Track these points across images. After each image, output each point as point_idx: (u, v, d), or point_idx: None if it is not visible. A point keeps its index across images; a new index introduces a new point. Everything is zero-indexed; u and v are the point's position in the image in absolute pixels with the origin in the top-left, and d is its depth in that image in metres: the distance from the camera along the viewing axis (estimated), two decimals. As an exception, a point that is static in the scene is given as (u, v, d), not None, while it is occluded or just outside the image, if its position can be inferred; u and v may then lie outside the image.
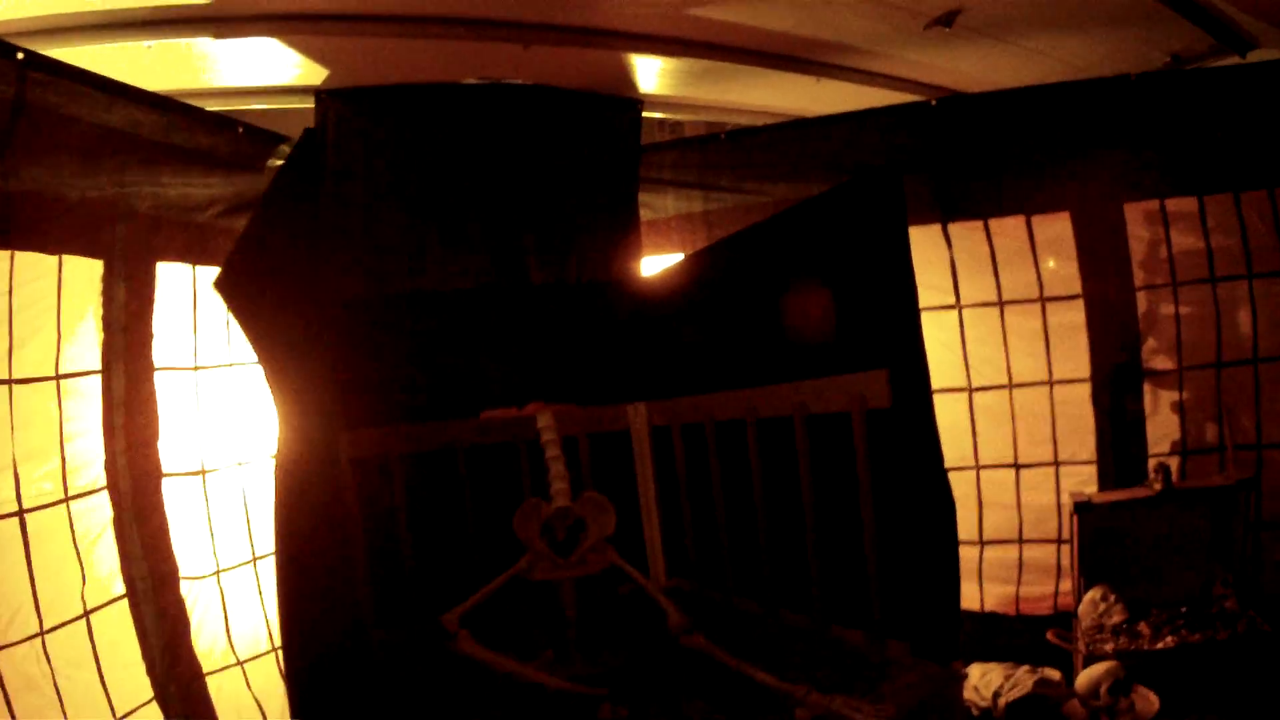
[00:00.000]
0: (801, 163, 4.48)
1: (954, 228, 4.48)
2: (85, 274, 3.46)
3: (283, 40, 4.12)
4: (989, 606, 4.56)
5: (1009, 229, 4.43)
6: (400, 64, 4.44)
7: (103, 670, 3.41)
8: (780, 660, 3.33)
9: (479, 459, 4.09)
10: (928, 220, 4.46)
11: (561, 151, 4.37)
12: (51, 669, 3.22)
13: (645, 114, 4.59)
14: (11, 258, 3.16)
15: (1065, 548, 4.41)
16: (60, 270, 3.37)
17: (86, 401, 3.48)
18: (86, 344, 3.48)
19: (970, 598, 4.51)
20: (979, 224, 4.45)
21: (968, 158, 4.39)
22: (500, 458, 4.09)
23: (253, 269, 3.49)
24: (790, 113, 5.06)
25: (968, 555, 4.53)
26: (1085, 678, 3.79)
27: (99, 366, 3.52)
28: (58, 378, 3.38)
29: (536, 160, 4.32)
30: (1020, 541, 4.55)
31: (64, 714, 3.23)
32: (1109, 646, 3.94)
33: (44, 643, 3.21)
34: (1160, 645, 3.88)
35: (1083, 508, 4.13)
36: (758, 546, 3.91)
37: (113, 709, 3.41)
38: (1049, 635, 4.10)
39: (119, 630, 3.52)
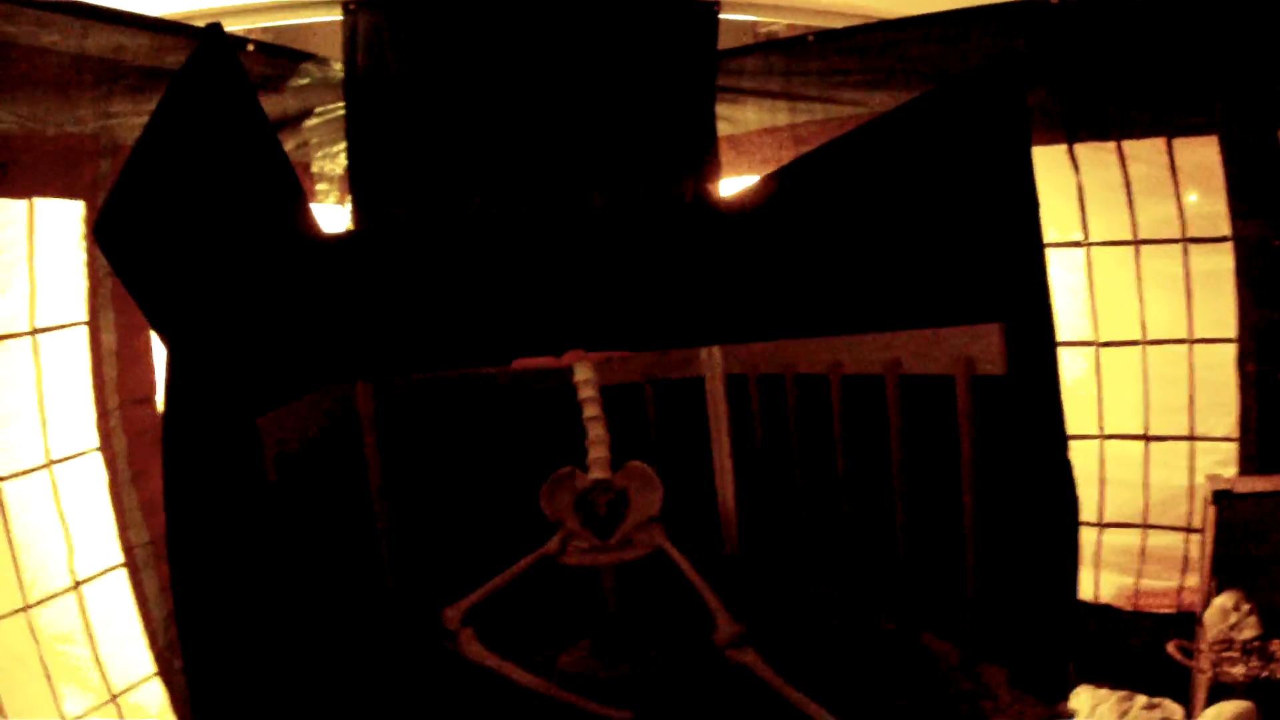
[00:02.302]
0: (900, 69, 4.05)
1: (1081, 149, 3.96)
2: (62, 218, 3.28)
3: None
4: (1104, 598, 4.16)
5: (1146, 153, 3.90)
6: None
7: (97, 644, 3.33)
8: (852, 674, 2.99)
9: (502, 415, 3.76)
10: (1049, 140, 3.95)
11: (624, 59, 4.05)
12: (38, 644, 3.16)
13: (723, 15, 4.20)
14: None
15: (1195, 537, 3.96)
16: (31, 215, 3.19)
17: (68, 358, 3.31)
18: (67, 295, 3.31)
19: (1086, 586, 4.14)
20: (1111, 146, 3.93)
21: (1096, 67, 3.86)
22: (525, 416, 3.74)
23: (145, 211, 2.86)
24: (892, 14, 4.54)
25: (1085, 539, 4.04)
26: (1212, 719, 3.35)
27: (84, 318, 3.34)
28: (34, 332, 3.22)
29: (595, 70, 4.01)
30: (1145, 526, 4.11)
31: (53, 691, 3.17)
32: (1238, 670, 3.49)
33: (29, 618, 3.14)
34: None
35: (1221, 496, 3.64)
36: (841, 526, 3.54)
37: (109, 685, 3.34)
38: (1169, 648, 3.67)
39: (115, 602, 3.42)
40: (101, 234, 2.77)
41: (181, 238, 2.79)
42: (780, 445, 3.77)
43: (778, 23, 4.65)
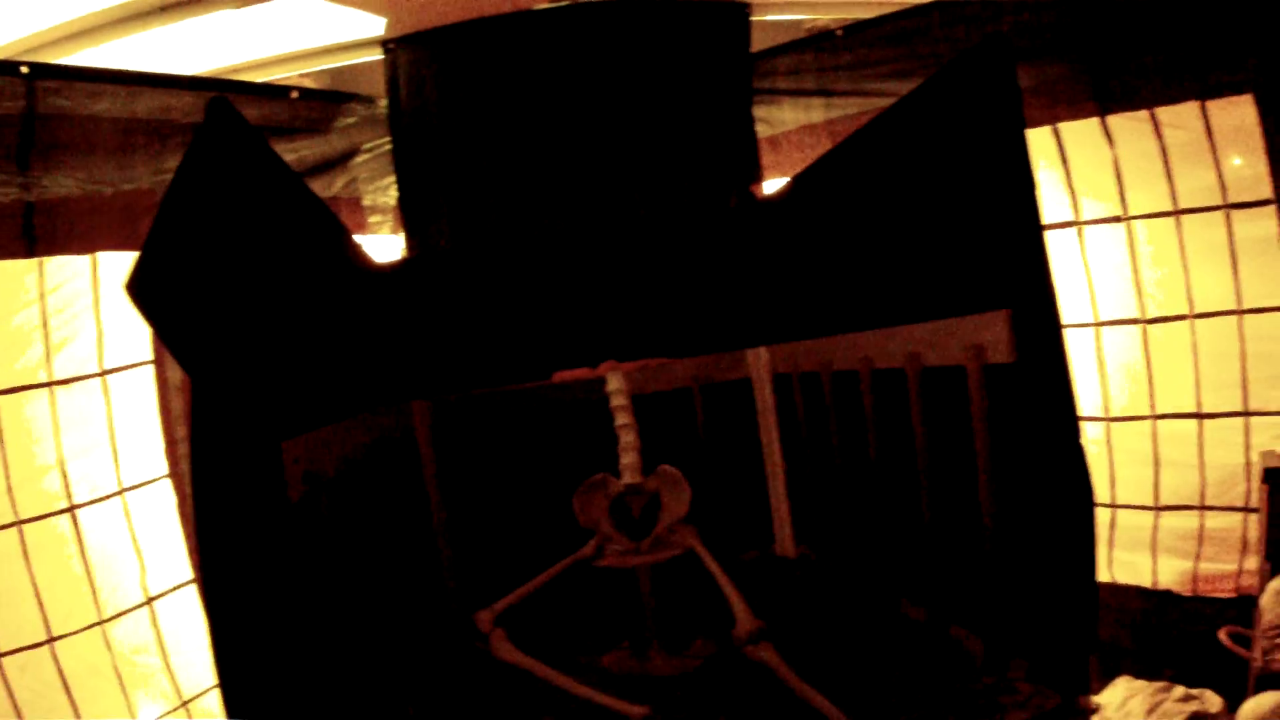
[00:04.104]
0: (931, 54, 4.04)
1: (1114, 121, 3.92)
2: (124, 268, 3.54)
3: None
4: (1163, 583, 4.12)
5: (1180, 118, 3.83)
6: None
7: (168, 654, 3.70)
8: (879, 665, 3.12)
9: (551, 426, 4.01)
10: (1083, 114, 3.93)
11: (658, 71, 4.21)
12: (113, 655, 3.54)
13: (759, 17, 4.34)
14: (40, 265, 3.38)
15: (1254, 518, 3.87)
16: (95, 268, 3.55)
17: (137, 395, 3.69)
18: (134, 338, 3.67)
19: (1143, 572, 4.13)
20: (1144, 115, 3.88)
21: (1125, 34, 3.81)
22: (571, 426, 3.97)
23: (171, 265, 3.15)
24: (920, -1, 4.57)
25: (1141, 522, 4.12)
26: (1250, 711, 3.30)
27: (149, 357, 3.71)
28: (103, 373, 3.60)
29: (631, 84, 4.18)
30: (1201, 508, 4.04)
31: (126, 698, 3.55)
32: None
33: (104, 631, 3.53)
34: None
35: (1274, 474, 3.58)
36: (878, 520, 3.66)
37: (180, 692, 3.71)
38: (1221, 636, 3.63)
39: (185, 615, 3.77)
40: (133, 288, 3.09)
41: (208, 283, 3.10)
42: (822, 441, 3.90)
43: (819, 19, 4.74)
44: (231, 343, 3.12)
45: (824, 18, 4.57)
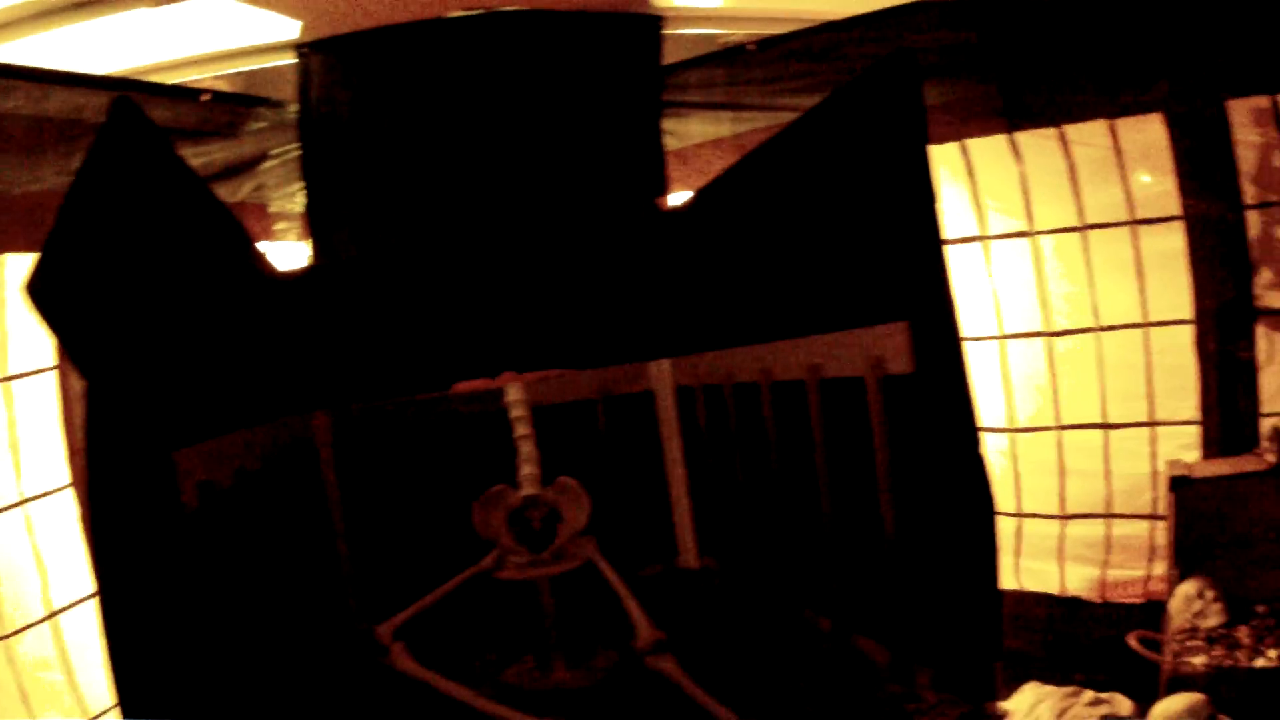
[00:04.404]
0: (843, 69, 4.05)
1: (1023, 137, 4.01)
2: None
3: (241, -2, 4.08)
4: (1071, 590, 4.19)
5: (1089, 136, 3.92)
6: (378, 4, 4.27)
7: (73, 670, 3.63)
8: (784, 675, 3.15)
9: (449, 437, 4.00)
10: (992, 130, 4.01)
11: (568, 82, 4.20)
12: (16, 671, 3.47)
13: (673, 30, 4.33)
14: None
15: (1161, 525, 3.97)
16: (1, 270, 3.49)
17: (39, 403, 3.63)
18: (37, 343, 3.59)
19: (1050, 579, 4.20)
20: (1053, 132, 3.96)
21: (1037, 53, 3.89)
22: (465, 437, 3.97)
23: (71, 268, 3.12)
24: (836, 16, 4.58)
25: (1048, 531, 4.20)
26: (1161, 714, 3.36)
27: (53, 363, 3.64)
28: (5, 380, 3.54)
29: (540, 95, 4.17)
30: (1108, 516, 4.13)
31: (30, 715, 3.49)
32: (1199, 660, 3.49)
33: (6, 646, 3.45)
34: (1261, 662, 3.41)
35: (1180, 483, 3.66)
36: (780, 529, 3.69)
37: (84, 708, 3.64)
38: (1130, 641, 3.70)
39: (89, 631, 3.66)
40: (31, 291, 3.05)
41: (105, 287, 3.07)
42: (725, 453, 3.93)
43: (734, 34, 4.76)
44: (126, 349, 3.10)
45: (739, 33, 4.60)
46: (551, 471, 3.64)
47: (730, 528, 4.02)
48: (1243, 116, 3.71)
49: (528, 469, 3.53)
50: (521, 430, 3.61)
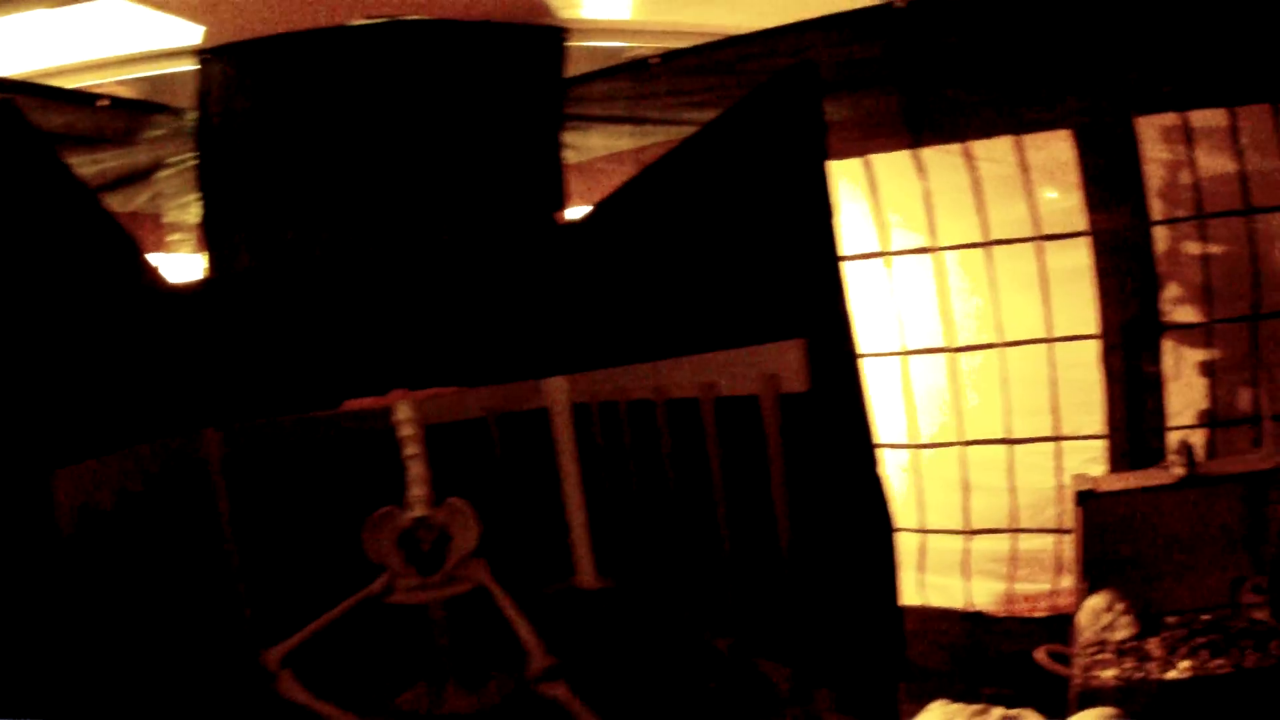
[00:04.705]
0: (746, 84, 3.97)
1: (927, 153, 4.01)
2: None
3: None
4: (977, 605, 4.20)
5: (995, 152, 3.94)
6: (281, 10, 4.20)
7: None
8: (680, 701, 3.11)
9: (341, 455, 3.92)
10: (896, 145, 3.99)
11: (469, 93, 4.13)
12: None
13: (579, 43, 4.29)
14: None
15: (1067, 538, 3.97)
16: None
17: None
18: None
19: (956, 594, 4.21)
20: (958, 148, 3.97)
21: (943, 67, 3.87)
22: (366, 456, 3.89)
23: None
24: (741, 30, 4.57)
25: (952, 546, 4.20)
26: None
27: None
28: None
29: (440, 106, 4.11)
30: (1014, 531, 4.14)
31: None
32: (1110, 673, 3.49)
33: None
34: (1172, 674, 3.42)
35: (1086, 496, 3.67)
36: (677, 548, 3.65)
37: None
38: (1038, 656, 3.69)
39: None
40: None
41: None
42: (621, 471, 3.89)
43: (642, 48, 4.72)
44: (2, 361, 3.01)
45: (646, 47, 4.55)
46: (447, 491, 3.57)
47: (628, 547, 3.98)
48: (1152, 133, 3.76)
49: (416, 490, 3.46)
50: (410, 450, 3.53)
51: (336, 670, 3.49)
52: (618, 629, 3.55)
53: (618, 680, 3.40)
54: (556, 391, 4.04)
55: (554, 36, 4.20)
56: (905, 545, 4.09)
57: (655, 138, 4.25)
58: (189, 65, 4.20)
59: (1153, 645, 3.55)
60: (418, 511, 3.40)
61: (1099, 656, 3.54)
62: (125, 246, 3.53)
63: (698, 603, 3.64)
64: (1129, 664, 3.48)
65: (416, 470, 3.48)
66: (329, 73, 4.03)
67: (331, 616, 3.40)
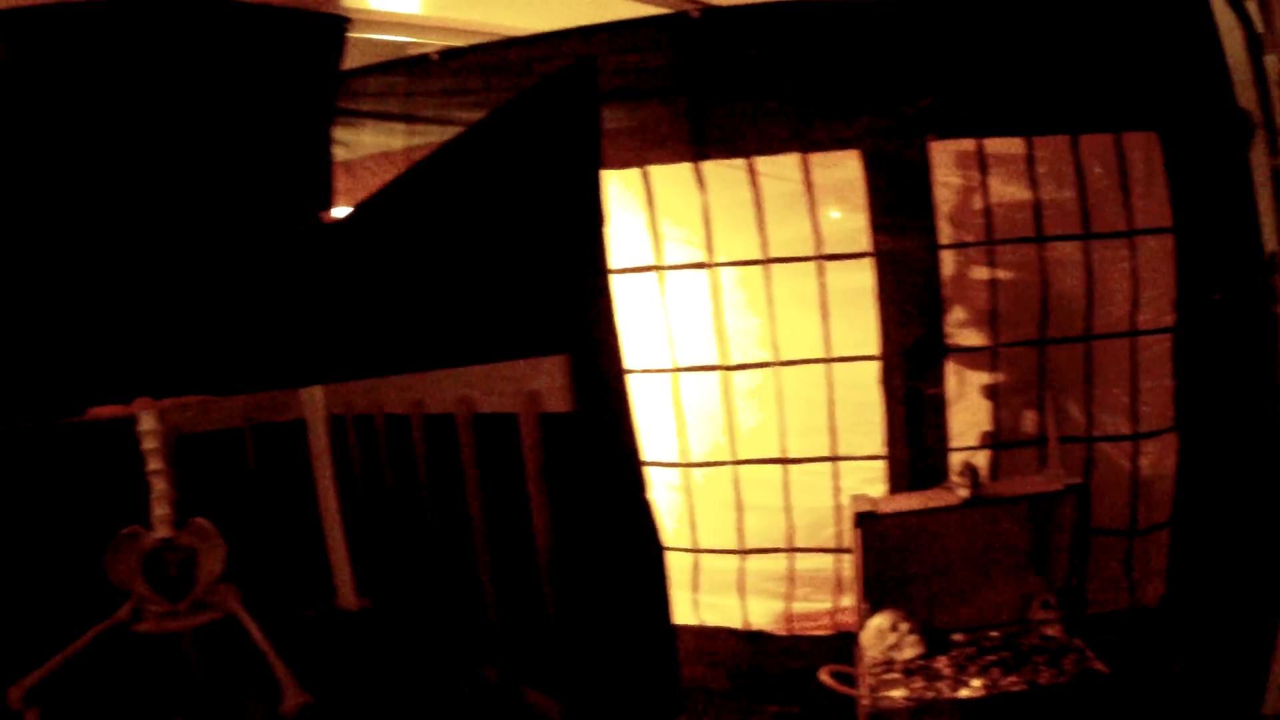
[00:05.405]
0: (525, 87, 3.90)
1: (709, 166, 3.97)
2: None
3: None
4: (755, 624, 4.20)
5: (780, 169, 3.93)
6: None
7: None
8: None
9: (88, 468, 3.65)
10: (677, 157, 3.96)
11: (236, 80, 3.91)
12: None
13: (362, 35, 4.21)
14: None
15: (847, 557, 3.97)
16: None
17: None
18: None
19: (732, 613, 4.20)
20: (742, 163, 3.94)
21: (735, 80, 3.89)
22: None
23: None
24: (529, 31, 4.51)
25: (727, 565, 4.18)
26: None
27: None
28: None
29: (208, 88, 3.86)
30: (790, 550, 4.15)
31: None
32: (899, 693, 3.50)
33: None
34: (965, 692, 3.45)
35: (865, 518, 3.66)
36: (438, 571, 3.53)
37: None
38: (822, 676, 3.68)
39: None
40: None
41: None
42: (378, 488, 3.76)
43: (431, 43, 4.61)
44: None
45: (433, 43, 4.45)
46: (198, 508, 3.35)
47: (389, 569, 3.85)
48: (946, 158, 3.81)
49: (159, 509, 3.21)
50: (154, 464, 3.26)
51: (86, 706, 3.25)
52: (379, 655, 3.40)
53: (379, 711, 3.28)
54: (313, 402, 3.88)
55: (336, 26, 4.03)
56: (678, 565, 4.08)
57: (430, 138, 4.16)
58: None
59: (942, 664, 3.60)
60: (162, 533, 3.18)
61: (886, 676, 3.57)
62: None
63: (463, 628, 3.52)
64: (918, 683, 3.51)
65: (160, 487, 3.24)
66: (91, 48, 3.74)
67: (76, 648, 3.15)
